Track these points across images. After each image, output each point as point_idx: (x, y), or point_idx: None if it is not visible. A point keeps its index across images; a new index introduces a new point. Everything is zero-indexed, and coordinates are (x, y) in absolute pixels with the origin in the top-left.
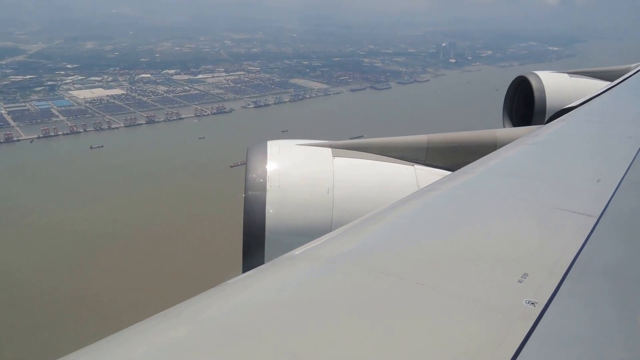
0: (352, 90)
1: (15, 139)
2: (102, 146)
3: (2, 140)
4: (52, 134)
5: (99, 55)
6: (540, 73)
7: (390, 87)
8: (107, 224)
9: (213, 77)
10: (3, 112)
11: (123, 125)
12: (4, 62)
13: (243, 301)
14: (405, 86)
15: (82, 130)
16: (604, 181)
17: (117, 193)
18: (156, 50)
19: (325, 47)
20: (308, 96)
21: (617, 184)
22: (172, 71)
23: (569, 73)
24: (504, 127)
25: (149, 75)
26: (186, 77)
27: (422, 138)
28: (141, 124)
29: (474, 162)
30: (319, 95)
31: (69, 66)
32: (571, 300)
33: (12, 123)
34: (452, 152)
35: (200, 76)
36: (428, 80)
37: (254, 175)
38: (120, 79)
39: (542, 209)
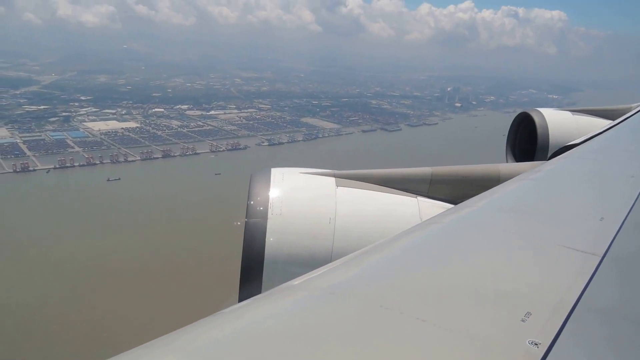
0: (363, 131)
1: (31, 168)
2: (119, 179)
3: (18, 170)
4: (68, 164)
5: (111, 88)
6: (543, 110)
7: (400, 129)
8: (122, 258)
9: (225, 113)
10: (18, 141)
11: (139, 158)
12: (18, 92)
13: (238, 331)
14: (415, 129)
15: (98, 162)
16: (607, 219)
17: (134, 227)
18: (168, 85)
19: (333, 88)
20: (321, 135)
21: (621, 222)
22: (185, 106)
23: (571, 111)
24: (507, 162)
25: (162, 110)
26: (199, 112)
27: (426, 170)
28: (157, 158)
29: (477, 196)
30: (332, 135)
31: (82, 98)
32: (575, 342)
33: (27, 152)
34: (456, 185)
35: (212, 112)
36: (437, 124)
37: (256, 202)
38: (133, 112)
39: (545, 245)
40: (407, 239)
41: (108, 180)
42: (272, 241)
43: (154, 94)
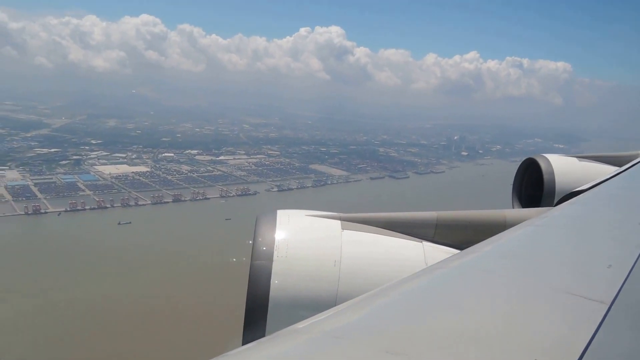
0: (371, 179)
1: (43, 211)
2: (130, 222)
3: (30, 212)
4: (79, 207)
5: (121, 132)
6: (549, 156)
7: (408, 177)
8: (133, 304)
9: (235, 159)
10: (30, 183)
11: (150, 202)
12: (29, 135)
13: None
14: (422, 176)
15: (109, 205)
16: (615, 267)
17: (143, 272)
18: (177, 130)
19: (340, 135)
20: (329, 182)
21: (629, 270)
22: (195, 151)
23: (577, 157)
24: (513, 207)
25: (172, 155)
26: (208, 157)
27: (431, 215)
28: (168, 202)
29: (483, 242)
30: (340, 182)
31: (92, 142)
32: None
33: (39, 195)
34: (461, 230)
35: (222, 157)
36: (443, 172)
37: (261, 244)
38: (144, 156)
39: (552, 292)
40: (413, 283)
41: (119, 224)
42: (277, 284)
43: (163, 139)
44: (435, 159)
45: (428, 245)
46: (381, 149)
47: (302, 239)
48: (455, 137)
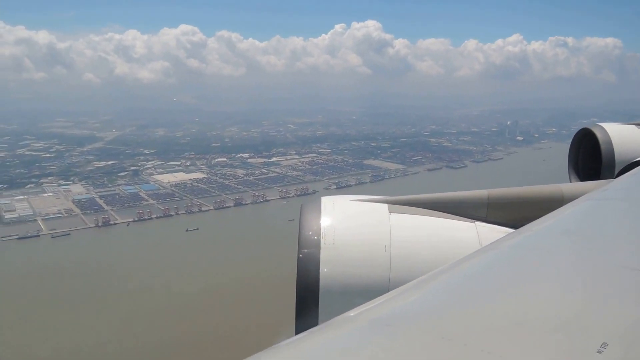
0: (429, 170)
1: (112, 222)
2: (198, 229)
3: (100, 224)
4: (146, 217)
5: (171, 141)
6: (605, 125)
7: (466, 166)
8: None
9: (287, 159)
10: (95, 196)
11: (213, 207)
12: (84, 149)
13: None
14: (480, 164)
15: (174, 213)
16: None
17: (225, 275)
18: (224, 135)
19: (388, 128)
20: (387, 176)
21: None
22: (246, 155)
23: (636, 124)
24: (570, 181)
25: (225, 159)
26: (261, 160)
27: (482, 193)
28: (230, 207)
29: (540, 219)
30: (398, 176)
31: (146, 152)
32: None
33: (105, 207)
34: (516, 208)
35: (274, 159)
36: (502, 159)
37: (308, 233)
38: (197, 163)
39: (618, 270)
40: (468, 265)
41: (187, 230)
42: (326, 272)
43: (213, 144)
44: (491, 145)
45: (481, 225)
46: (432, 140)
47: (349, 225)
48: (508, 123)
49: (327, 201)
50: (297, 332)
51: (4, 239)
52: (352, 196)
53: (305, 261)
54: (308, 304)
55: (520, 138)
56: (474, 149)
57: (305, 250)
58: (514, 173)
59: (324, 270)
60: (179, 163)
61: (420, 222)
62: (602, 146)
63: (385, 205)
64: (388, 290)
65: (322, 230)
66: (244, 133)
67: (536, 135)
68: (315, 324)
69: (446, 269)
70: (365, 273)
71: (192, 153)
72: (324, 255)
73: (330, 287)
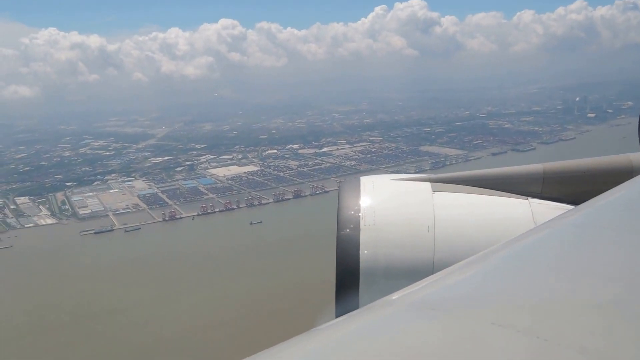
0: (493, 154)
1: (178, 216)
2: (261, 222)
3: (167, 218)
4: (209, 210)
5: (219, 135)
6: None
7: (534, 149)
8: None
9: (338, 149)
10: (157, 191)
11: (272, 200)
12: (139, 146)
13: (334, 349)
14: (550, 146)
15: (235, 206)
16: None
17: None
18: (270, 127)
19: (439, 112)
20: (448, 163)
21: None
22: (296, 146)
23: None
24: None
25: (276, 151)
26: (312, 150)
27: (537, 167)
28: (289, 199)
29: (604, 194)
30: (460, 162)
31: (197, 146)
32: None
33: (169, 202)
34: (575, 182)
35: (325, 149)
36: (574, 138)
37: (346, 213)
38: (249, 155)
39: None
40: (520, 245)
41: (251, 223)
42: (367, 254)
43: (260, 137)
44: (559, 125)
45: (535, 202)
46: (491, 122)
47: (389, 205)
48: (577, 99)
49: (366, 181)
50: (337, 315)
51: (82, 233)
52: (392, 175)
53: (345, 243)
54: (348, 287)
55: (592, 115)
56: (540, 129)
57: (345, 232)
58: (593, 154)
59: (364, 252)
60: (231, 156)
61: (466, 200)
62: None
63: (428, 184)
64: (432, 273)
65: (361, 211)
66: (290, 124)
67: (610, 110)
68: (356, 307)
69: (496, 250)
70: (407, 255)
71: (242, 146)
72: (363, 237)
73: (371, 269)
